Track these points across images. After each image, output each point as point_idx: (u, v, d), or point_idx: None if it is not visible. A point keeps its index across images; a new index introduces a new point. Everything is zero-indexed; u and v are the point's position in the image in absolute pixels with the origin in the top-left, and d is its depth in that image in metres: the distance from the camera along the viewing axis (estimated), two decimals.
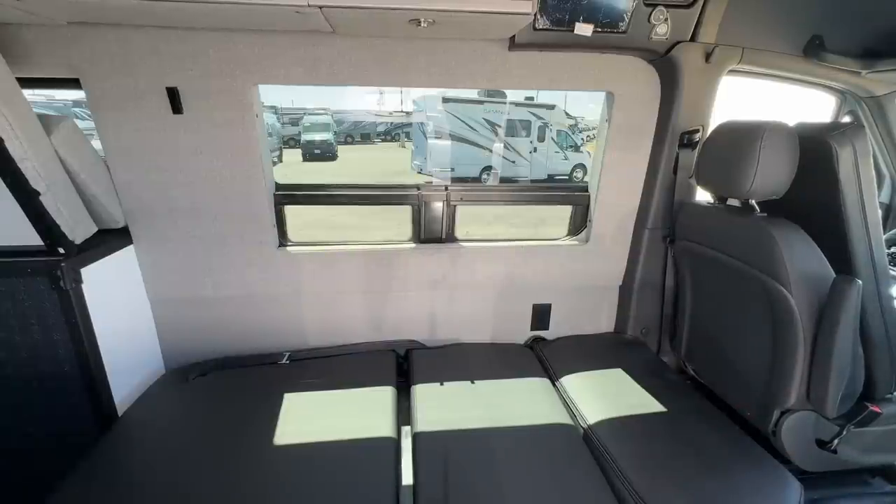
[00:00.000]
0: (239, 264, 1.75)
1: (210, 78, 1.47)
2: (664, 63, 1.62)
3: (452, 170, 11.40)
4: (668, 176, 1.78)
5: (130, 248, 1.66)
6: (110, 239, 1.57)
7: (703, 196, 1.72)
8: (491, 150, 11.72)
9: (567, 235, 2.06)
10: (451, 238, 1.94)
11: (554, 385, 1.68)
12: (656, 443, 1.36)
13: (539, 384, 1.66)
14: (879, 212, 1.29)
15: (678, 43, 1.55)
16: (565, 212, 2.06)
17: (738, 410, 1.52)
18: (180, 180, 1.60)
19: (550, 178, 12.21)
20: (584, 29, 1.45)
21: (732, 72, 1.69)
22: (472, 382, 1.64)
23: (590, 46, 1.53)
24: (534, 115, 11.89)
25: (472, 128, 11.66)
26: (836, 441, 1.33)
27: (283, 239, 1.82)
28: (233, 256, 1.74)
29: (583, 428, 1.45)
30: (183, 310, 1.78)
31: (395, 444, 1.35)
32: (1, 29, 1.33)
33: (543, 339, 2.05)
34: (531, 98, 12.53)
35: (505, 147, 11.82)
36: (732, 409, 1.54)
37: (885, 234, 1.41)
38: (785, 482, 1.20)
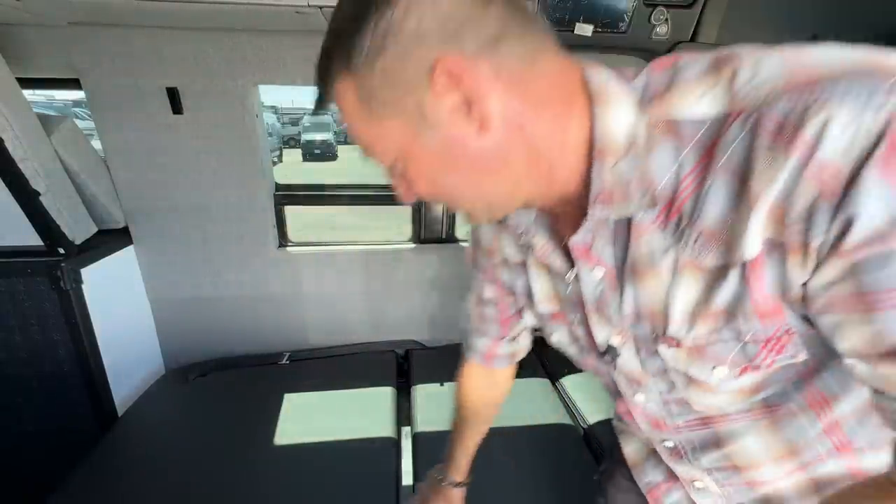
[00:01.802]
0: (239, 264, 1.75)
1: (210, 78, 1.47)
2: None
3: None
4: None
5: (130, 248, 1.66)
6: (110, 239, 1.57)
7: None
8: None
9: None
10: (451, 238, 1.94)
11: (554, 385, 1.68)
12: None
13: (539, 384, 1.66)
14: None
15: (678, 43, 1.55)
16: None
17: None
18: (180, 180, 1.60)
19: None
20: (584, 29, 1.45)
21: None
22: None
23: (590, 46, 1.53)
24: None
25: None
26: None
27: (283, 239, 1.82)
28: (233, 256, 1.74)
29: (583, 428, 1.45)
30: (183, 310, 1.78)
31: (395, 444, 1.35)
32: (1, 29, 1.33)
33: (544, 340, 2.05)
34: None
35: None
36: None
37: None
38: None
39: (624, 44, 1.53)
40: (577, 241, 0.46)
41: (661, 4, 1.46)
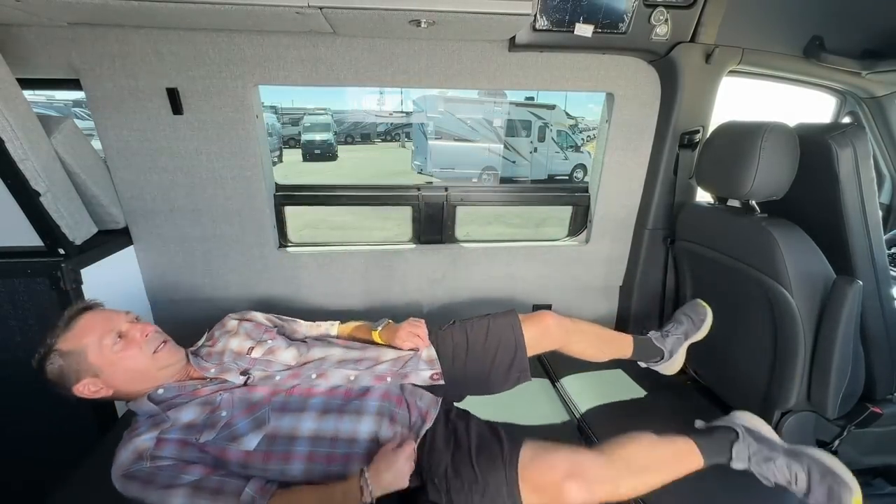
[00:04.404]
0: (239, 265, 1.75)
1: (210, 78, 1.47)
2: (664, 64, 1.62)
3: (453, 169, 11.40)
4: (669, 176, 1.78)
5: (130, 248, 1.66)
6: (110, 239, 1.57)
7: (703, 196, 1.72)
8: (489, 150, 11.71)
9: (567, 236, 2.06)
10: (451, 238, 1.94)
11: (554, 385, 1.68)
12: None
13: (539, 384, 1.66)
14: (880, 212, 1.29)
15: (678, 44, 1.55)
16: (565, 212, 2.05)
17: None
18: (180, 180, 1.60)
19: (551, 178, 12.20)
20: (584, 30, 1.45)
21: (733, 72, 1.69)
22: None
23: (590, 47, 1.53)
24: (534, 115, 11.87)
25: (472, 128, 11.65)
26: (836, 442, 1.33)
27: (283, 240, 1.82)
28: (233, 257, 1.74)
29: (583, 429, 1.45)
30: (183, 311, 1.78)
31: None
32: (1, 29, 1.33)
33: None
34: (531, 98, 12.52)
35: (505, 147, 11.81)
36: (733, 410, 1.54)
37: (885, 234, 1.41)
38: None
39: (624, 44, 1.53)
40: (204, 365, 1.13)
41: (661, 5, 1.46)
